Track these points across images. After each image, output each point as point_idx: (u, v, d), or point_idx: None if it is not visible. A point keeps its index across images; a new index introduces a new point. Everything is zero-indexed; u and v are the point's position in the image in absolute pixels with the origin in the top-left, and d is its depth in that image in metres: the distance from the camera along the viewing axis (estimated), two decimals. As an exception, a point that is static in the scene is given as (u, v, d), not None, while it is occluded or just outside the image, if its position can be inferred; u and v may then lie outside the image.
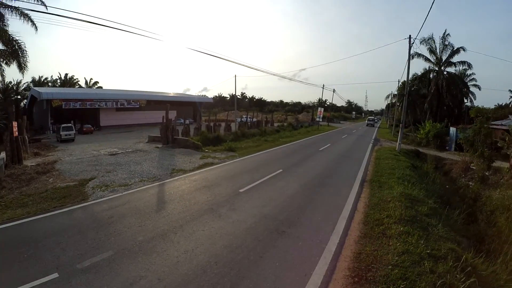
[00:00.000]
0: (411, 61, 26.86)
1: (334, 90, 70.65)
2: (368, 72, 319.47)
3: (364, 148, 25.54)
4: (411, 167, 17.83)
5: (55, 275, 5.57)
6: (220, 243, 6.88)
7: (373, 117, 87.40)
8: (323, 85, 62.39)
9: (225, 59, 70.53)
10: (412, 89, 46.76)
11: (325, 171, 15.26)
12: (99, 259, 6.12)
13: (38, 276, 5.51)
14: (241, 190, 11.24)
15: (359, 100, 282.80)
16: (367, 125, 68.04)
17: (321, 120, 56.55)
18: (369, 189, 11.83)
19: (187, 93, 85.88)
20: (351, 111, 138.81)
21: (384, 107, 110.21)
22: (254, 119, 47.12)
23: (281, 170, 14.79)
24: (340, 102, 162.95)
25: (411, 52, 26.77)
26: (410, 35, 25.18)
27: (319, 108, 58.07)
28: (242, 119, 45.07)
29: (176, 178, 13.47)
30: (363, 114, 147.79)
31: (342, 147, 26.17)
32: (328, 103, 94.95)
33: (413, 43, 25.24)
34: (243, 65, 55.57)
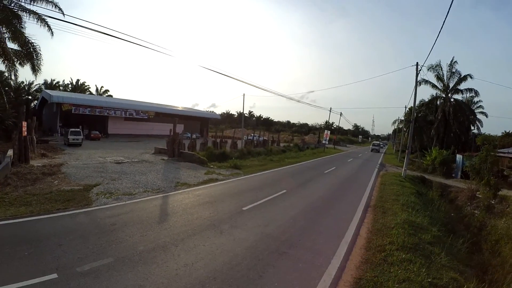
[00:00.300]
0: (418, 87, 27.23)
1: (341, 114, 71.55)
2: (375, 96, 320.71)
3: (370, 173, 25.50)
4: (416, 193, 17.76)
5: (54, 275, 5.64)
6: (220, 259, 6.88)
7: (378, 142, 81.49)
8: (330, 108, 63.15)
9: (234, 78, 72.01)
10: (419, 115, 46.94)
11: (329, 194, 15.28)
12: (99, 265, 6.18)
13: (37, 275, 5.58)
14: (244, 208, 11.27)
15: (366, 124, 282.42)
16: (371, 151, 64.41)
17: (327, 142, 56.70)
18: (372, 215, 11.81)
19: (196, 108, 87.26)
20: (358, 135, 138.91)
21: (391, 132, 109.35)
22: (261, 138, 47.35)
23: (285, 191, 14.82)
24: (347, 126, 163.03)
25: (419, 78, 27.14)
26: (417, 62, 25.58)
27: (326, 131, 58.39)
28: (249, 138, 45.32)
29: (180, 191, 13.57)
30: (369, 138, 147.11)
31: (348, 170, 26.18)
32: (335, 126, 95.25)
33: (420, 70, 25.65)
34: (251, 85, 57.04)
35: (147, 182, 14.68)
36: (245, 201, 12.31)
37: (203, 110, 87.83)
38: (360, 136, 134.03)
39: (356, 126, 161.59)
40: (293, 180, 18.47)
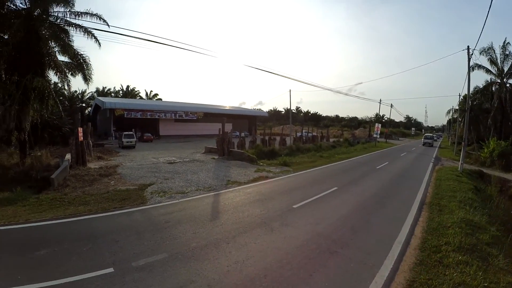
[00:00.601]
0: (471, 73, 25.34)
1: (391, 105, 67.96)
2: (426, 85, 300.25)
3: (424, 168, 24.02)
4: (474, 189, 16.65)
5: (111, 269, 5.91)
6: (270, 257, 6.81)
7: (431, 135, 69.29)
8: (380, 100, 60.58)
9: (279, 75, 71.35)
10: (474, 103, 43.48)
11: (382, 191, 14.59)
12: (153, 260, 6.38)
13: (95, 269, 5.88)
14: (294, 206, 11.08)
15: (418, 115, 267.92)
16: (423, 145, 55.46)
17: (378, 136, 54.22)
18: (428, 213, 11.11)
19: (243, 106, 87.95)
20: (410, 127, 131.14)
21: (445, 122, 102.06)
22: (311, 134, 46.63)
23: (336, 188, 14.38)
24: (398, 118, 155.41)
25: (471, 63, 25.30)
26: (468, 46, 23.88)
27: (377, 124, 55.92)
28: (297, 134, 44.79)
29: (231, 189, 13.68)
30: (423, 130, 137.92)
31: (401, 165, 24.90)
32: (385, 119, 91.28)
33: (472, 54, 23.86)
34: (298, 80, 56.39)
35: (198, 181, 15.00)
36: (295, 199, 12.10)
37: (250, 108, 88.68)
38: (413, 129, 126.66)
39: (408, 118, 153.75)
40: (344, 177, 17.90)
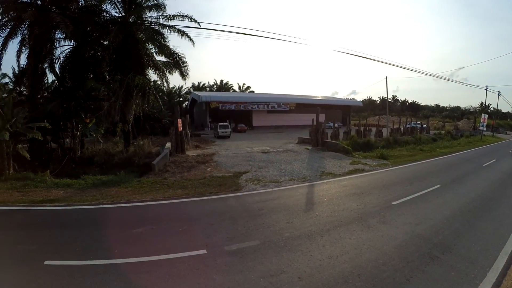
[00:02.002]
0: None
1: (499, 93, 58.37)
2: None
3: None
4: None
5: (204, 251, 6.15)
6: (366, 255, 6.42)
7: None
8: (487, 86, 52.04)
9: (374, 60, 68.01)
10: None
11: (489, 192, 12.77)
12: (245, 246, 6.46)
13: (188, 249, 6.19)
14: (393, 203, 10.33)
15: None
16: None
17: (484, 129, 47.71)
18: None
19: (335, 96, 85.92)
20: None
21: None
22: (424, 125, 42.95)
23: (438, 186, 13.03)
24: (506, 108, 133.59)
25: None
26: None
27: (483, 115, 48.80)
28: (406, 126, 41.42)
29: (326, 181, 13.32)
30: None
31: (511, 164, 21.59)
32: (491, 109, 79.49)
33: None
34: (394, 65, 52.15)
35: (292, 171, 14.96)
36: (394, 195, 11.30)
37: (343, 98, 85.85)
38: None
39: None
40: (447, 174, 16.17)
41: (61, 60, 22.15)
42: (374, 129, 36.26)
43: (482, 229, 8.55)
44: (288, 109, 55.89)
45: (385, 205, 10.11)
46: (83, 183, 12.46)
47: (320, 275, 5.52)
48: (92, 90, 21.48)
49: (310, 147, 24.08)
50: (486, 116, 49.54)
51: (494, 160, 21.72)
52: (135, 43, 21.12)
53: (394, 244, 7.10)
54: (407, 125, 42.05)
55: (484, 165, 20.18)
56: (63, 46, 22.31)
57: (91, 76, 22.31)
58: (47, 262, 5.68)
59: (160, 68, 23.39)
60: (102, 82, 21.83)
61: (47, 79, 23.92)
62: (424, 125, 43.89)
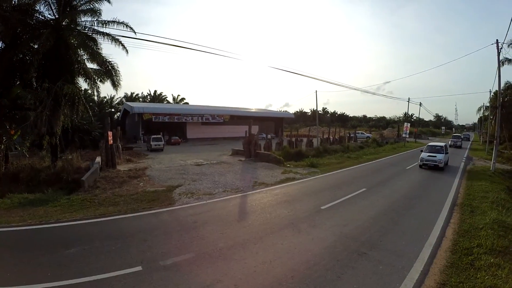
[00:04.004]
0: (502, 68, 24.57)
1: (420, 104, 65.38)
2: (456, 83, 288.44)
3: (455, 168, 23.23)
4: (507, 189, 16.13)
5: (139, 268, 6.11)
6: (298, 258, 6.83)
7: (458, 135, 62.95)
8: (409, 98, 58.38)
9: (305, 75, 70.77)
10: (506, 99, 41.19)
11: (412, 192, 14.33)
12: (180, 259, 6.53)
13: (123, 267, 6.10)
14: (322, 207, 11.05)
15: (448, 114, 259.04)
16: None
17: (407, 136, 52.92)
18: (459, 214, 10.87)
19: (269, 108, 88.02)
20: (440, 126, 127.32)
21: (476, 120, 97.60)
22: (367, 134, 45.34)
23: (364, 189, 14.22)
24: (427, 117, 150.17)
25: (501, 57, 24.40)
26: (497, 40, 23.11)
27: (405, 123, 54.56)
28: (351, 135, 43.68)
29: (258, 191, 13.75)
30: (453, 129, 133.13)
31: (431, 165, 24.13)
32: (414, 118, 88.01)
33: (502, 48, 23.02)
34: (324, 81, 55.72)
35: (226, 182, 15.18)
36: (323, 200, 12.05)
37: (276, 110, 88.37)
38: (443, 127, 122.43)
39: (437, 117, 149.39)
40: (373, 178, 17.62)
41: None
42: (305, 140, 37.82)
43: (406, 225, 9.49)
44: (222, 121, 56.08)
45: (314, 210, 10.74)
46: (8, 202, 11.60)
47: (255, 281, 5.79)
48: (18, 98, 19.69)
49: (243, 159, 24.49)
50: (409, 124, 54.58)
51: (416, 163, 23.86)
52: (66, 49, 19.65)
53: (324, 245, 7.62)
54: (351, 135, 44.66)
55: (407, 168, 22.23)
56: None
57: (18, 82, 20.43)
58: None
59: (91, 77, 22.03)
60: (29, 90, 20.12)
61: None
62: (368, 135, 46.69)
